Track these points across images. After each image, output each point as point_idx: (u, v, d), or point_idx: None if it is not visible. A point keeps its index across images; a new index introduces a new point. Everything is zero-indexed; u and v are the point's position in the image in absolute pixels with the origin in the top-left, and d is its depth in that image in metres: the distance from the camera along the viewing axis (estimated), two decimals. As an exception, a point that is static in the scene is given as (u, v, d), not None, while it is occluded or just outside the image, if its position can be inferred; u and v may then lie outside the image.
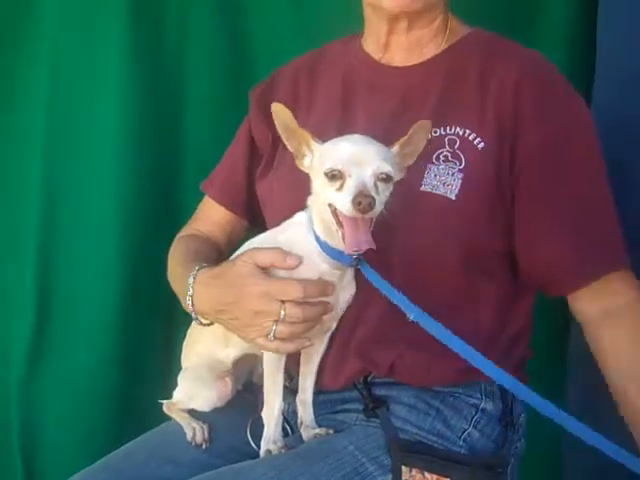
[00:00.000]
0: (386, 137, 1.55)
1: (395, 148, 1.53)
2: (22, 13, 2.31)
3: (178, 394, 1.85)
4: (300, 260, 1.55)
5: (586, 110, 1.72)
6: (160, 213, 2.37)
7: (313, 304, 1.55)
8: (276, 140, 1.78)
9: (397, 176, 1.53)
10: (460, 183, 1.63)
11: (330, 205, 1.48)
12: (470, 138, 1.66)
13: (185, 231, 2.05)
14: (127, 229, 2.32)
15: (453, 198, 1.62)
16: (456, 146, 1.66)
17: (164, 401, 1.87)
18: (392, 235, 1.60)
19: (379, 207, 1.45)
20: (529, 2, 2.28)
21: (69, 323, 2.35)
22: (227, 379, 1.78)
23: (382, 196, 1.46)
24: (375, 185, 1.45)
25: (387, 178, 1.47)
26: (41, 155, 2.32)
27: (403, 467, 1.56)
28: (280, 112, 1.54)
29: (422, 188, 1.64)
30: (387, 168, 1.47)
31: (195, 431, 1.78)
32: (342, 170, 1.46)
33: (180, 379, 1.85)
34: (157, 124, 2.35)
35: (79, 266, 2.33)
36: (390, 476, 1.56)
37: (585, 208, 1.66)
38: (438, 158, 1.66)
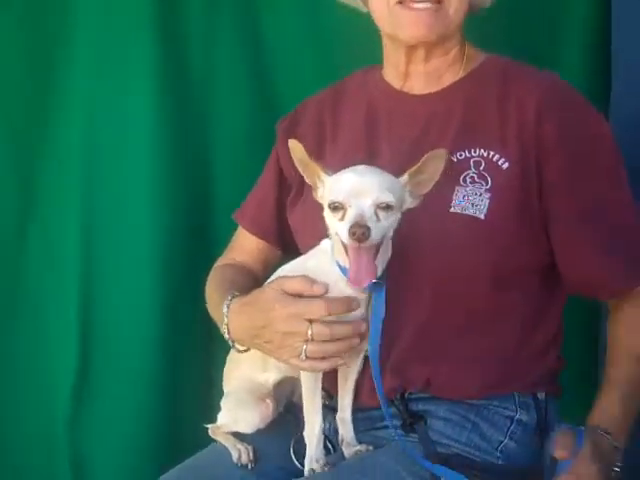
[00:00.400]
0: (409, 164, 1.61)
1: (404, 177, 1.59)
2: (56, 59, 2.38)
3: (222, 418, 1.91)
4: (326, 287, 1.61)
5: (606, 125, 1.76)
6: (195, 242, 2.43)
7: (342, 322, 1.61)
8: None
9: (410, 203, 1.60)
10: (488, 203, 1.68)
11: (337, 234, 1.56)
12: (494, 159, 1.71)
13: (221, 261, 2.12)
14: (164, 263, 2.39)
15: (482, 218, 1.68)
16: (481, 167, 1.71)
17: (209, 425, 1.93)
18: (422, 255, 1.67)
19: (377, 235, 1.51)
20: (547, 17, 2.32)
21: (111, 359, 2.40)
22: (268, 401, 1.84)
23: (384, 223, 1.52)
24: (375, 214, 1.52)
25: (388, 207, 1.53)
26: (78, 195, 2.38)
27: (443, 480, 1.61)
28: (295, 148, 1.62)
29: (452, 210, 1.69)
30: (387, 198, 1.53)
31: (240, 453, 1.83)
32: (342, 202, 1.53)
33: (223, 403, 1.91)
34: (188, 153, 2.41)
35: (119, 302, 2.40)
36: (430, 489, 1.61)
37: (615, 223, 1.71)
38: (465, 180, 1.71)
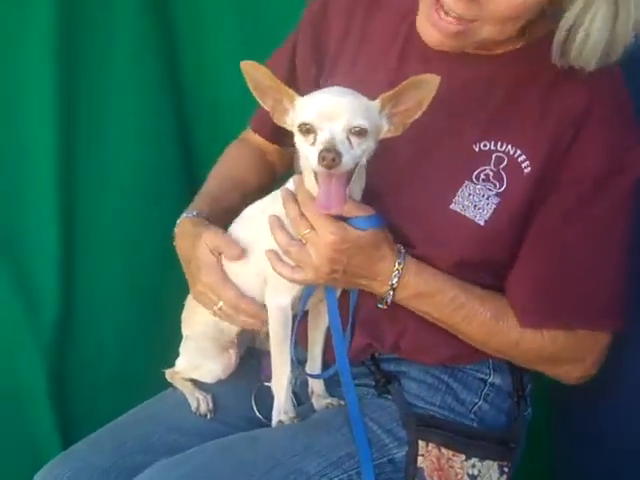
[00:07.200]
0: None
1: (376, 102, 1.48)
2: None
3: (181, 363, 1.83)
4: (242, 253, 1.64)
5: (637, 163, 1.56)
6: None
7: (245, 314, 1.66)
8: (321, 67, 1.76)
9: (389, 131, 1.49)
10: (493, 209, 1.55)
11: (307, 160, 1.47)
12: (519, 160, 1.55)
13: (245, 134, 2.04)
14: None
15: (482, 224, 1.55)
16: (501, 166, 1.56)
17: (167, 370, 1.85)
18: (412, 239, 1.58)
19: (348, 162, 1.41)
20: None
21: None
22: (231, 351, 1.77)
23: (357, 150, 1.43)
24: (348, 139, 1.43)
25: (361, 132, 1.44)
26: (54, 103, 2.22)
27: (420, 442, 1.56)
28: (252, 70, 1.49)
29: (452, 206, 1.56)
30: (360, 121, 1.43)
31: (199, 402, 1.76)
32: (313, 124, 1.44)
33: (182, 349, 1.83)
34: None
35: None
36: (406, 449, 1.56)
37: (584, 261, 1.56)
38: (478, 177, 1.56)
